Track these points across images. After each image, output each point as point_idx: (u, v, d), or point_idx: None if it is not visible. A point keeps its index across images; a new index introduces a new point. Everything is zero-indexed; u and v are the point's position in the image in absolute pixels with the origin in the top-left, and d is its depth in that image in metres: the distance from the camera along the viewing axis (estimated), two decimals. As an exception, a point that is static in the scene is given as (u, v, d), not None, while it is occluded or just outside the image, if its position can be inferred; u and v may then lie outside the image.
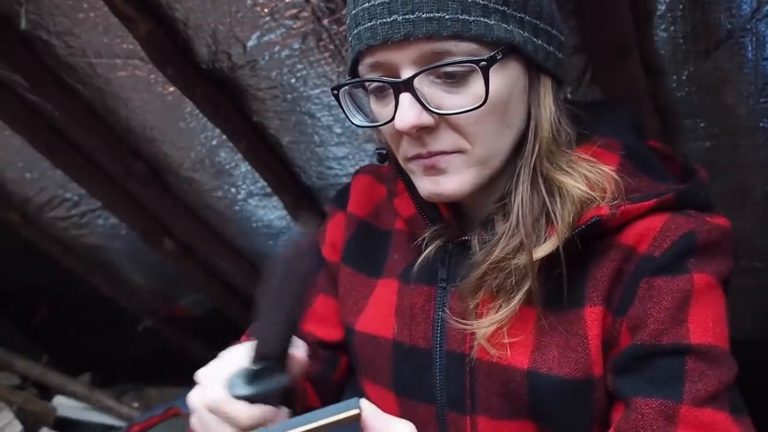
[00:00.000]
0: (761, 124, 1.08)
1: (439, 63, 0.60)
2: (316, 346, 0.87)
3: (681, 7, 0.97)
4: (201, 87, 1.40)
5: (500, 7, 0.60)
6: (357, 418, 0.46)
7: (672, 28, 1.00)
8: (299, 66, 1.30)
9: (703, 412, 0.59)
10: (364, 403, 0.47)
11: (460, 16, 0.59)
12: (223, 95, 1.43)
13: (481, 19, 0.59)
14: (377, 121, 0.67)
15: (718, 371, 0.61)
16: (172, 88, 1.45)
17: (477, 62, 0.59)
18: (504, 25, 0.61)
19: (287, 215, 1.76)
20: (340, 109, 0.70)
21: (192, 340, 2.74)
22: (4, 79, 1.55)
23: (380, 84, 0.64)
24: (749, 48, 0.98)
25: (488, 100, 0.61)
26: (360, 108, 0.71)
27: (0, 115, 1.64)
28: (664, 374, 0.61)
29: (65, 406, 2.47)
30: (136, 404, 2.54)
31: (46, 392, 2.55)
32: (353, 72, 0.68)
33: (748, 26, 0.96)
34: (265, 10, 1.20)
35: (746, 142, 1.12)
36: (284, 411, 0.60)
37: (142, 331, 2.62)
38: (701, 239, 0.63)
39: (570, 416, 0.66)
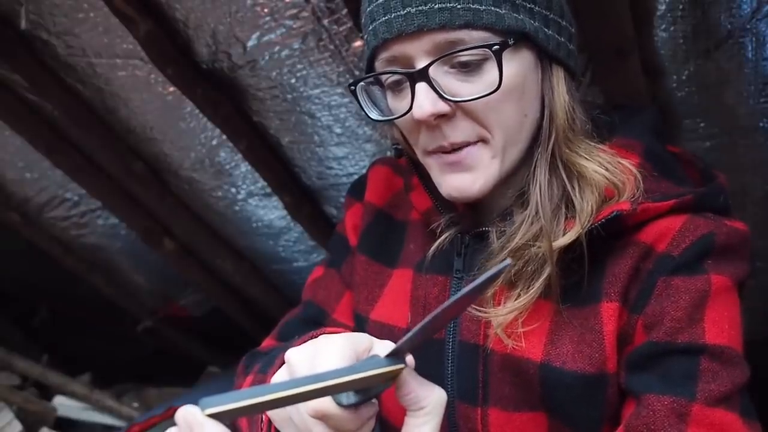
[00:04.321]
0: (761, 124, 1.08)
1: (453, 50, 0.61)
2: None
3: (681, 7, 0.97)
4: (201, 87, 1.40)
5: None
6: (399, 373, 0.46)
7: (672, 28, 1.00)
8: (299, 66, 1.30)
9: (715, 412, 0.59)
10: (409, 359, 0.47)
11: (471, 6, 0.60)
12: (223, 95, 1.43)
13: (492, 8, 0.61)
14: (394, 117, 0.68)
15: (731, 373, 0.61)
16: (172, 88, 1.45)
17: (490, 46, 0.61)
18: (514, 14, 0.62)
19: (287, 215, 1.76)
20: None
21: (192, 340, 2.74)
22: (4, 79, 1.54)
23: (397, 78, 0.66)
24: (749, 48, 0.98)
25: (502, 86, 0.62)
26: (376, 104, 0.72)
27: (0, 115, 1.64)
28: (677, 372, 0.61)
29: (65, 406, 2.47)
30: (136, 404, 2.54)
31: (46, 392, 2.55)
32: (370, 69, 0.69)
33: (748, 26, 0.96)
34: (265, 10, 1.20)
35: (746, 142, 1.12)
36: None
37: (142, 331, 2.62)
38: (720, 241, 0.63)
39: (581, 410, 0.67)
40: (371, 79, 0.69)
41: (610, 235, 0.65)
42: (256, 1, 1.19)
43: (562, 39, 0.67)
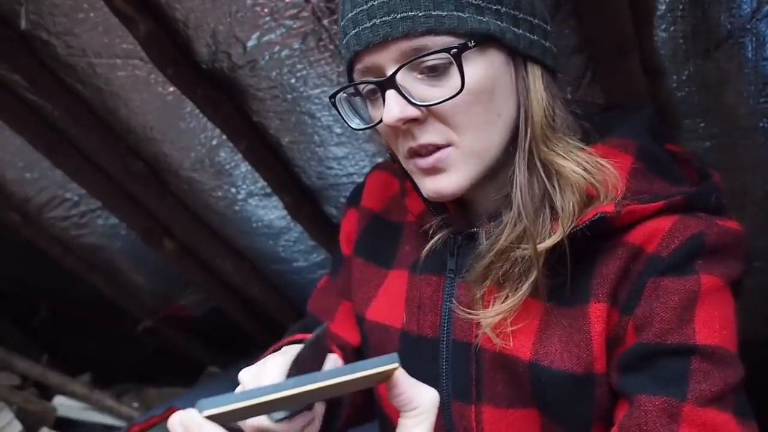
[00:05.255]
0: (761, 124, 1.08)
1: (415, 57, 0.63)
2: (343, 349, 0.89)
3: (681, 7, 0.97)
4: (201, 87, 1.40)
5: (474, 1, 0.63)
6: (392, 373, 0.46)
7: (672, 28, 1.00)
8: (299, 66, 1.30)
9: (707, 412, 0.59)
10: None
11: (432, 12, 0.62)
12: (223, 95, 1.43)
13: (454, 13, 0.62)
14: (372, 125, 0.71)
15: (723, 372, 0.61)
16: (172, 88, 1.45)
17: (448, 50, 0.62)
18: (478, 17, 0.63)
19: (287, 215, 1.76)
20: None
21: (192, 340, 2.74)
22: (4, 79, 1.55)
23: (371, 87, 0.68)
24: (749, 48, 0.98)
25: (466, 88, 0.63)
26: (357, 112, 0.74)
27: (0, 115, 1.64)
28: (668, 373, 0.61)
29: (65, 406, 2.47)
30: (136, 404, 2.54)
31: (46, 392, 2.55)
32: (350, 81, 0.71)
33: (748, 26, 0.96)
34: (265, 10, 1.20)
35: (746, 142, 1.12)
36: (319, 408, 0.68)
37: (142, 331, 2.62)
38: (710, 241, 0.63)
39: (570, 409, 0.67)
40: (352, 90, 0.72)
41: (598, 236, 0.65)
42: (256, 1, 1.19)
43: (535, 37, 0.67)
